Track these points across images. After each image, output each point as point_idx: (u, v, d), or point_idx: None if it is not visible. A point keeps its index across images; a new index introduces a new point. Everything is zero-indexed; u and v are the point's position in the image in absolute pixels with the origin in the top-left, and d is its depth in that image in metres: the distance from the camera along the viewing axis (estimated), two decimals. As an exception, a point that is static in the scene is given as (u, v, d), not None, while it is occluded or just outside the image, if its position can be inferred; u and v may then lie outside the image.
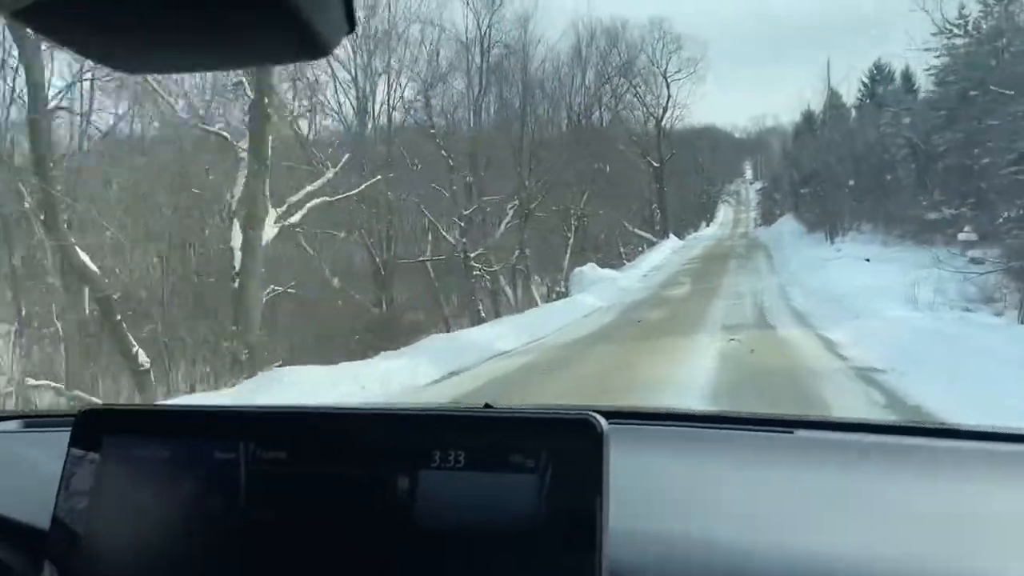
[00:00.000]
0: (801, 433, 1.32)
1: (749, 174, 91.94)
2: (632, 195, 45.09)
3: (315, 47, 0.43)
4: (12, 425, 1.54)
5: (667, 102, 53.47)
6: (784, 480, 1.12)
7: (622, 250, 40.46)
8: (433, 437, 0.81)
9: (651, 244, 43.98)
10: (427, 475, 0.79)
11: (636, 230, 44.79)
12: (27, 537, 1.01)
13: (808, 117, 51.21)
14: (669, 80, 53.35)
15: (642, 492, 0.96)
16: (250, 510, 0.83)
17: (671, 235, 48.32)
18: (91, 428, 0.92)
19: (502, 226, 27.83)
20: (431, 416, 0.85)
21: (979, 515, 0.99)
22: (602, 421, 0.76)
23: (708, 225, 70.00)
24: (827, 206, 37.91)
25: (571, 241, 32.62)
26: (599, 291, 24.25)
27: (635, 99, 49.86)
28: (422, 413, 0.85)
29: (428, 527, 0.78)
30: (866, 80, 41.49)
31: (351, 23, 0.45)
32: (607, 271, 29.73)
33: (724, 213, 79.25)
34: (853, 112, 42.46)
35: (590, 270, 28.51)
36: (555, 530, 0.75)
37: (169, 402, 6.34)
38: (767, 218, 58.60)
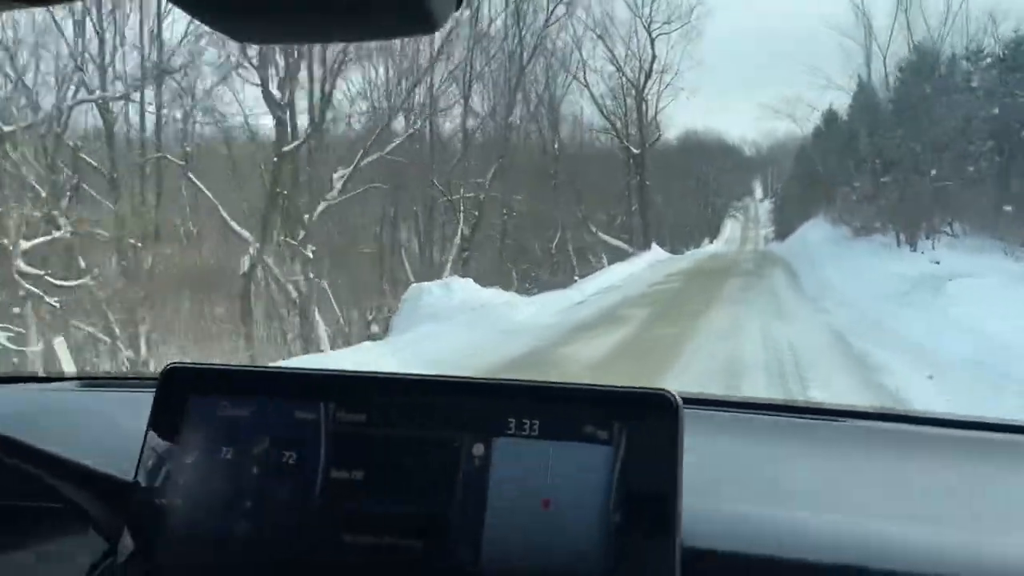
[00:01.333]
0: (858, 423, 1.34)
1: (759, 192, 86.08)
2: (607, 193, 36.38)
3: (424, 22, 0.45)
4: (78, 384, 1.55)
5: (651, 65, 39.03)
6: (844, 467, 1.12)
7: (575, 262, 27.65)
8: (508, 406, 0.83)
9: (625, 256, 32.15)
10: (502, 442, 0.82)
11: (605, 236, 32.26)
12: (108, 489, 1.02)
13: (831, 116, 42.79)
14: (653, 35, 38.43)
15: (710, 474, 0.94)
16: (329, 470, 0.85)
17: (654, 245, 37.10)
18: (175, 386, 0.93)
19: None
20: (506, 385, 0.87)
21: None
22: (677, 397, 0.79)
23: (711, 242, 62.26)
24: (903, 198, 25.87)
25: (457, 241, 19.78)
26: (450, 331, 11.97)
27: (609, 61, 37.70)
28: (497, 382, 0.88)
29: (502, 492, 0.81)
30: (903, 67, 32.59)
31: (459, 0, 0.47)
32: (494, 293, 16.81)
33: (731, 229, 71.72)
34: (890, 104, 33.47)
35: (441, 289, 15.45)
36: (629, 501, 0.77)
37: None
38: (783, 232, 45.86)
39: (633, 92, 39.21)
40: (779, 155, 75.28)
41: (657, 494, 0.76)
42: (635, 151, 38.83)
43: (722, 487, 0.98)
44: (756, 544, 0.86)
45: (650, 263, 30.30)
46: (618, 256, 32.28)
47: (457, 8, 0.47)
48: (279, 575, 0.85)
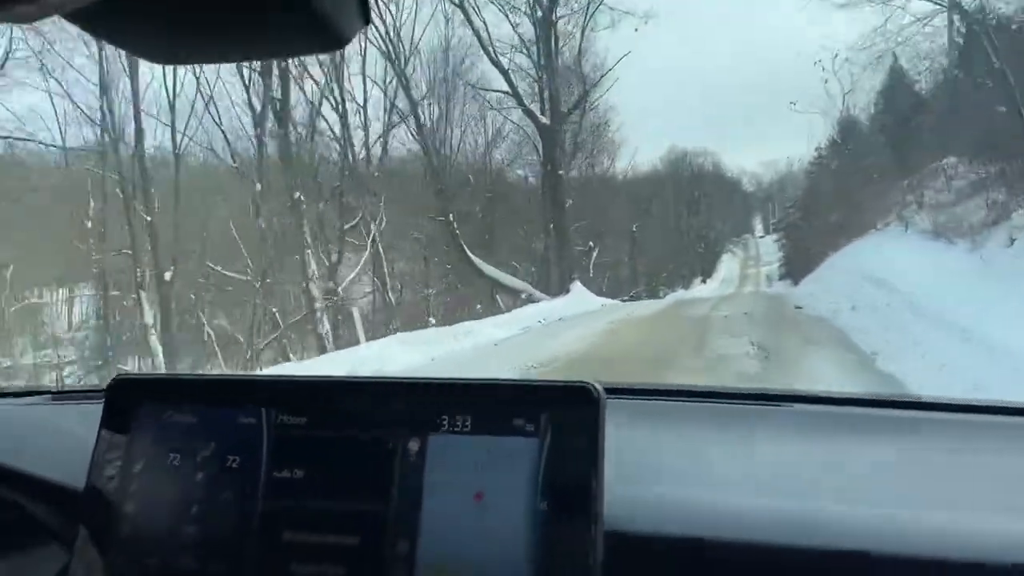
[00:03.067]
0: (796, 407, 1.34)
1: (759, 228, 79.89)
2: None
3: (332, 39, 0.46)
4: (43, 398, 1.57)
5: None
6: (777, 450, 1.14)
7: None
8: (441, 403, 0.87)
9: (516, 302, 23.40)
10: (436, 438, 0.85)
11: (499, 274, 23.68)
12: (62, 499, 1.05)
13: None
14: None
15: (637, 460, 1.00)
16: (272, 471, 0.89)
17: (576, 286, 25.55)
18: (123, 395, 0.97)
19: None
20: (439, 384, 0.90)
21: (967, 479, 1.03)
22: (599, 388, 0.83)
23: (704, 281, 52.97)
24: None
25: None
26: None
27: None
28: (432, 381, 0.90)
29: (436, 487, 0.84)
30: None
31: (366, 16, 0.47)
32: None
33: (728, 267, 62.42)
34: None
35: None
36: (555, 491, 0.81)
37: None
38: (796, 269, 34.85)
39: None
40: (785, 185, 67.94)
41: (580, 482, 0.80)
42: (544, 120, 26.32)
43: (646, 473, 1.00)
44: (677, 524, 0.88)
45: (547, 319, 18.84)
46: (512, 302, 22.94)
47: (365, 24, 0.47)
48: (226, 573, 0.87)
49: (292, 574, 0.86)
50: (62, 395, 1.62)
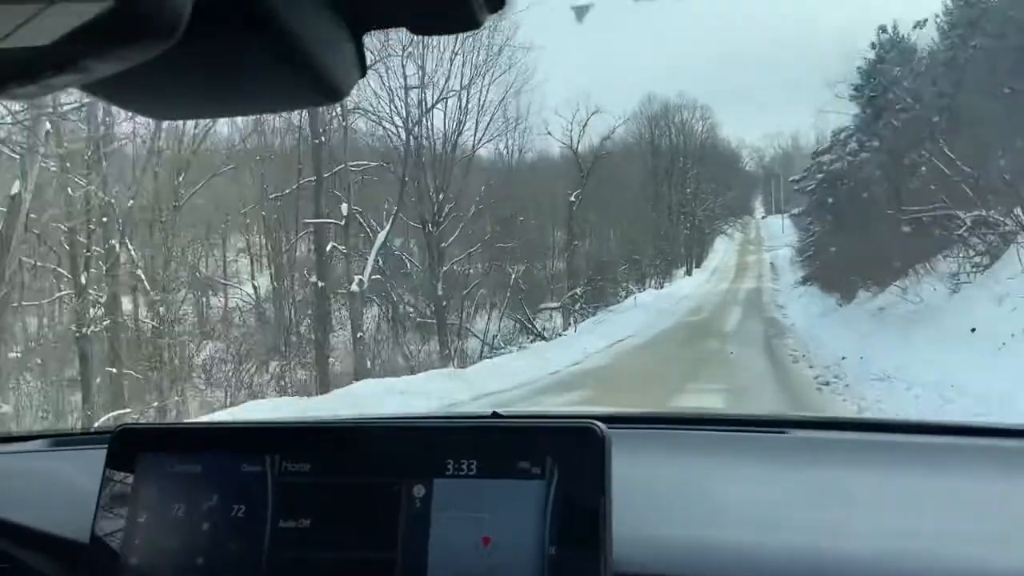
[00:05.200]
0: (795, 433, 1.33)
1: (760, 211, 71.99)
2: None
3: (329, 92, 0.47)
4: (42, 444, 1.55)
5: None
6: (779, 480, 1.14)
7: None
8: (446, 447, 0.86)
9: None
10: (442, 483, 0.84)
11: None
12: (65, 551, 1.04)
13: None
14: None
15: (644, 496, 0.99)
16: (277, 520, 0.88)
17: None
18: (126, 445, 0.96)
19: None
20: (444, 427, 0.91)
21: (974, 508, 1.02)
22: (604, 428, 0.81)
23: (689, 273, 41.68)
24: None
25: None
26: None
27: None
28: (436, 424, 0.93)
29: (443, 533, 0.83)
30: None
31: (363, 68, 0.48)
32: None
33: (722, 254, 51.23)
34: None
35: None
36: (562, 534, 0.80)
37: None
38: (831, 276, 22.68)
39: None
40: (792, 160, 57.51)
41: (588, 524, 0.79)
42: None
43: (654, 509, 1.00)
44: (688, 566, 0.89)
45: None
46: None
47: (361, 76, 0.48)
48: None
49: None
50: (61, 441, 1.57)
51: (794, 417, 1.47)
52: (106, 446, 0.97)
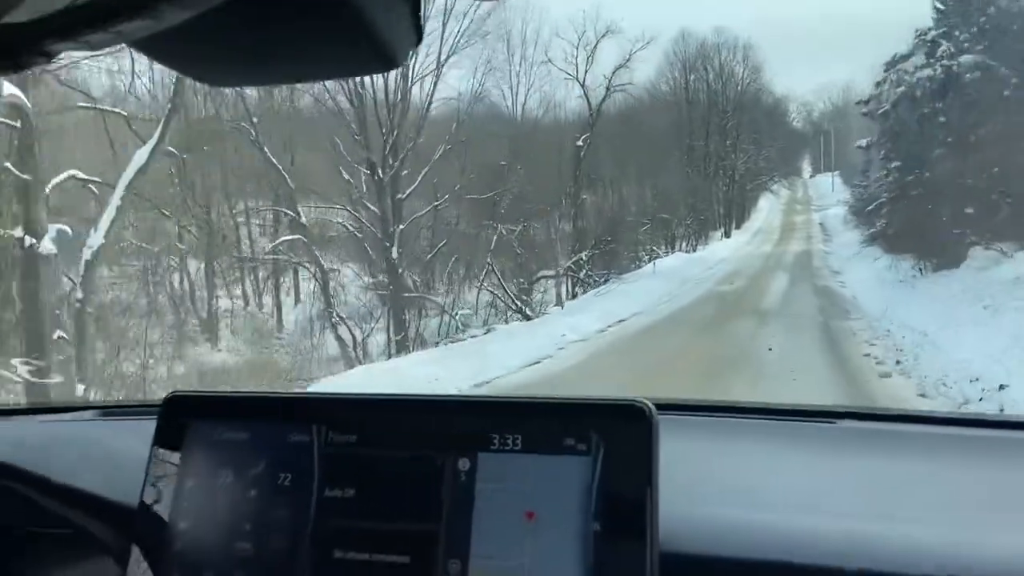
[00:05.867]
0: (845, 423, 1.34)
1: (808, 170, 68.74)
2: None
3: (385, 59, 0.48)
4: (92, 414, 1.61)
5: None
6: (829, 468, 1.14)
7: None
8: (492, 422, 0.87)
9: None
10: (486, 457, 0.85)
11: None
12: (115, 515, 1.07)
13: None
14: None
15: (690, 478, 0.99)
16: (323, 490, 0.90)
17: None
18: (175, 412, 0.98)
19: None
20: (489, 402, 0.92)
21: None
22: (651, 406, 0.82)
23: (727, 235, 36.76)
24: None
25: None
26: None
27: None
28: (481, 400, 0.93)
29: (487, 506, 0.84)
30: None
31: (419, 35, 0.49)
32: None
33: (767, 213, 46.17)
34: None
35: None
36: (608, 510, 0.80)
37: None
38: (907, 240, 17.53)
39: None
40: (846, 115, 52.43)
41: (634, 501, 0.80)
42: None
43: (700, 491, 1.00)
44: (734, 546, 0.90)
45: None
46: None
47: (417, 43, 0.49)
48: None
49: None
50: (110, 411, 1.64)
51: (844, 408, 1.41)
52: (152, 416, 1.03)
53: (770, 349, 9.73)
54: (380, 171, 15.09)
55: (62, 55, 0.39)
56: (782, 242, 31.73)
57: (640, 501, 0.79)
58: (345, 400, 0.97)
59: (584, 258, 19.65)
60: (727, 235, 35.42)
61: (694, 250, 28.77)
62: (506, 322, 15.43)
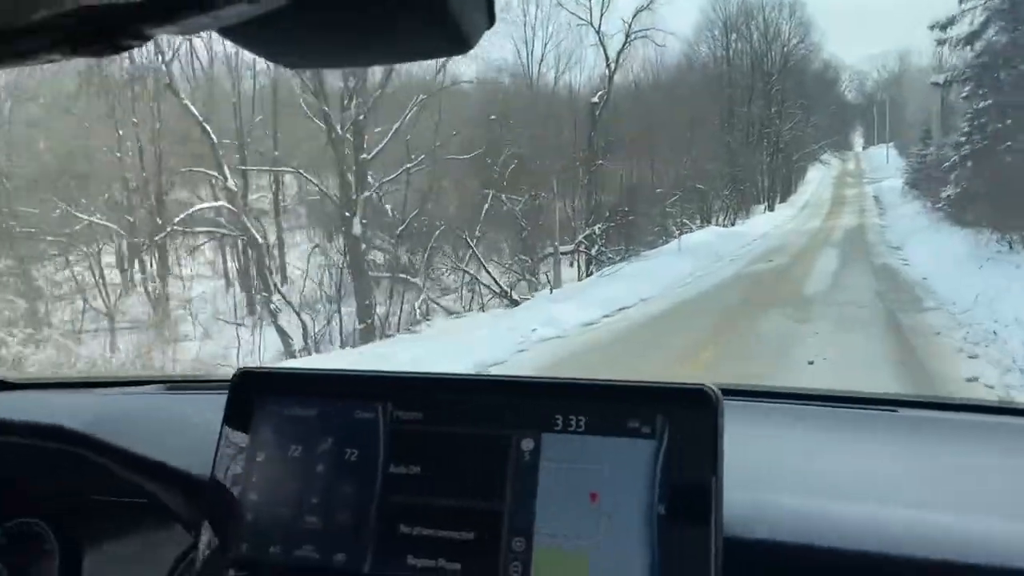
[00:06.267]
0: (906, 412, 1.35)
1: (860, 143, 65.96)
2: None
3: (459, 43, 0.48)
4: (161, 388, 1.66)
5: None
6: (891, 455, 1.15)
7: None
8: (556, 403, 0.88)
9: None
10: (550, 437, 0.86)
11: None
12: (187, 486, 1.10)
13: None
14: None
15: (753, 464, 1.00)
16: (388, 466, 0.91)
17: None
18: (245, 388, 1.00)
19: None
20: (554, 383, 0.92)
21: None
22: (716, 390, 0.82)
23: (770, 208, 33.31)
24: None
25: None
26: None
27: None
28: (546, 381, 0.93)
29: (551, 486, 0.85)
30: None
31: (491, 18, 0.49)
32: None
33: (816, 185, 42.46)
34: None
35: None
36: (672, 494, 0.81)
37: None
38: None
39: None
40: (901, 82, 51.57)
41: (699, 485, 0.81)
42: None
43: (763, 477, 1.01)
44: (797, 533, 0.89)
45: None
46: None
47: (489, 26, 0.48)
48: (345, 564, 0.92)
49: (409, 567, 0.89)
50: (176, 385, 1.69)
51: (905, 396, 1.46)
52: (219, 391, 1.05)
53: (810, 363, 6.69)
54: (338, 127, 12.47)
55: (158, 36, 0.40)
56: (832, 216, 28.64)
57: (705, 485, 0.80)
58: (411, 378, 0.98)
59: (597, 232, 16.85)
60: (770, 209, 32.37)
61: (732, 224, 25.98)
62: (483, 309, 12.79)
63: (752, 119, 33.21)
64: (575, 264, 17.21)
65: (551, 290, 12.87)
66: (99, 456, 1.19)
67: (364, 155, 12.85)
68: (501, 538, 0.85)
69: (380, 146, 13.03)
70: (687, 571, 0.79)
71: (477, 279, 13.72)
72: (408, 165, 13.24)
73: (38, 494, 1.26)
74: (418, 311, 12.75)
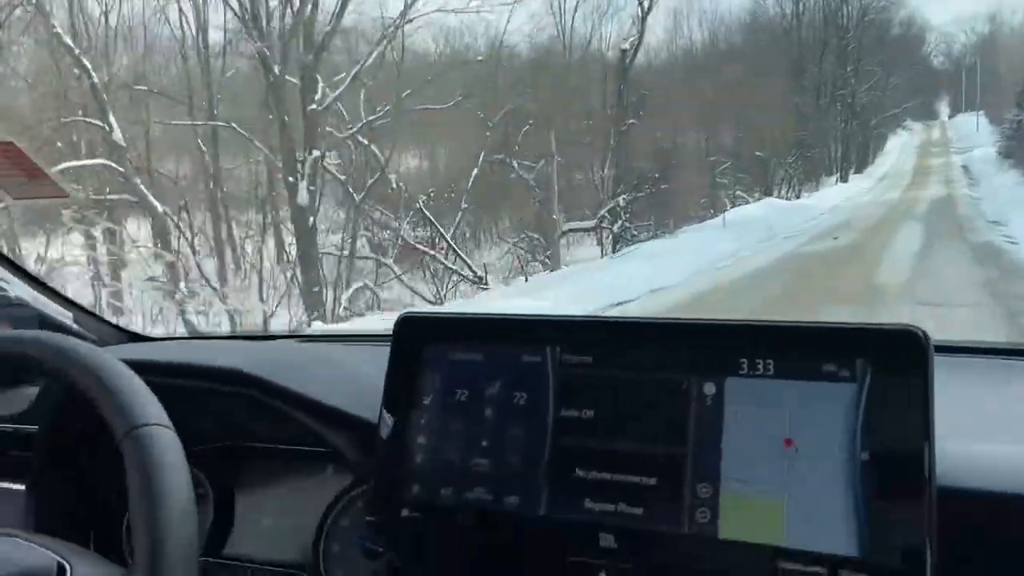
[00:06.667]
0: None
1: (946, 112, 58.28)
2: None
3: None
4: (324, 339, 1.75)
5: None
6: None
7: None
8: (739, 346, 0.85)
9: None
10: (735, 382, 0.84)
11: None
12: (360, 430, 1.11)
13: None
14: None
15: (963, 413, 0.96)
16: (559, 410, 0.90)
17: None
18: (409, 333, 1.00)
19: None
20: (736, 326, 0.88)
21: None
22: (926, 332, 0.78)
23: (843, 179, 29.81)
24: None
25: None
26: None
27: None
28: (731, 324, 0.89)
29: (738, 432, 0.82)
30: None
31: None
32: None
33: (897, 155, 38.19)
34: None
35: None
36: (877, 440, 0.78)
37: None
38: None
39: None
40: (995, 42, 45.95)
41: (908, 433, 0.77)
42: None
43: (973, 427, 0.96)
44: (1013, 482, 0.84)
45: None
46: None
47: None
48: (518, 506, 0.91)
49: (586, 510, 0.87)
50: (334, 339, 1.74)
51: None
52: (380, 343, 1.05)
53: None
54: (276, 67, 9.87)
55: None
56: (914, 187, 25.27)
57: (915, 430, 0.76)
58: (581, 321, 0.95)
59: (621, 204, 13.95)
60: (843, 180, 29.15)
61: (797, 197, 23.12)
62: (456, 296, 10.15)
63: (823, 79, 29.95)
64: (601, 242, 14.50)
65: (526, 278, 10.14)
66: (273, 399, 1.19)
67: (314, 105, 10.23)
68: (685, 484, 0.82)
69: (337, 92, 10.38)
70: (899, 519, 0.75)
71: (445, 264, 10.99)
72: (371, 117, 10.54)
73: (193, 439, 1.07)
74: (367, 300, 10.18)
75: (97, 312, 1.87)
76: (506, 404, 0.92)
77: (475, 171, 11.84)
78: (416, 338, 0.99)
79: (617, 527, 0.86)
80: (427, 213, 11.04)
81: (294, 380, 1.21)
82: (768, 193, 22.30)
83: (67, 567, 0.86)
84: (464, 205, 11.73)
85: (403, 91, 11.04)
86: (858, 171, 32.17)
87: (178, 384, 1.21)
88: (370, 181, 10.75)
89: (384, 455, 0.97)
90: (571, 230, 14.14)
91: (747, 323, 0.87)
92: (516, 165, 13.21)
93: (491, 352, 0.95)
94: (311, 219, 10.16)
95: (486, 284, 10.45)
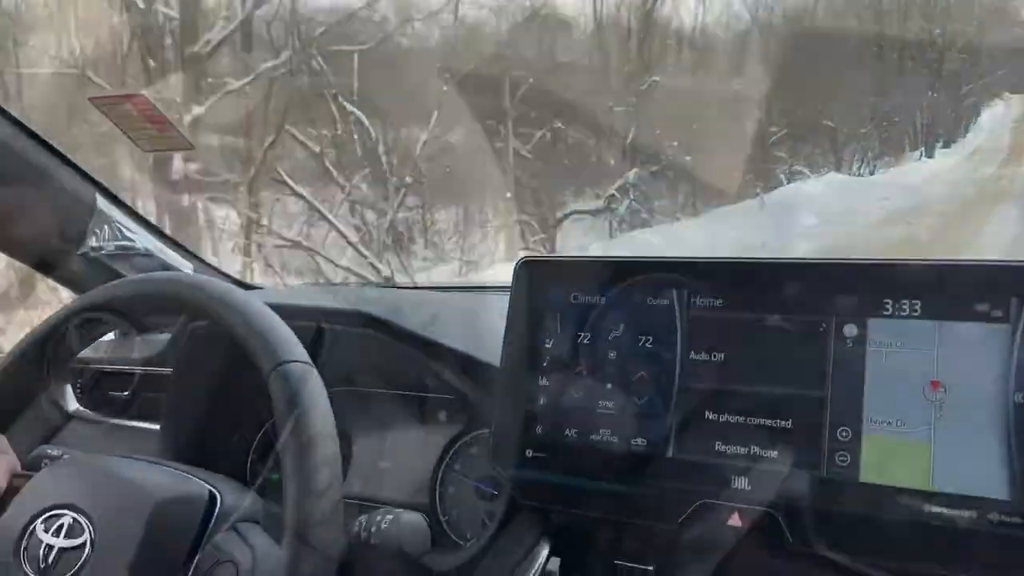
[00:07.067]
0: None
1: None
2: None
3: None
4: (441, 289, 1.77)
5: None
6: None
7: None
8: (883, 286, 0.83)
9: None
10: (878, 323, 0.82)
11: None
12: (481, 373, 1.12)
13: None
14: None
15: None
16: (688, 352, 0.88)
17: None
18: (529, 276, 0.98)
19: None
20: (879, 264, 0.85)
21: None
22: None
23: (928, 154, 25.88)
24: None
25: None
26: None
27: None
28: (872, 263, 0.86)
29: (882, 373, 0.80)
30: None
31: None
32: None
33: (994, 126, 30.99)
34: None
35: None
36: None
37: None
38: None
39: None
40: None
41: None
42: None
43: None
44: None
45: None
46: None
47: None
48: (646, 448, 0.87)
49: (717, 452, 0.84)
50: (458, 289, 1.77)
51: None
52: (496, 291, 1.03)
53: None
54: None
55: None
56: (1010, 163, 21.91)
57: None
58: (710, 263, 0.91)
59: (631, 181, 11.15)
60: (928, 155, 25.72)
61: (871, 173, 20.07)
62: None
63: (906, 41, 26.56)
64: (611, 229, 11.96)
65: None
66: (402, 342, 1.19)
67: (194, 47, 7.77)
68: (824, 427, 0.80)
69: (223, 34, 7.90)
70: None
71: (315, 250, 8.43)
72: (268, 63, 8.01)
73: None
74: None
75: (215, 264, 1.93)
76: (631, 347, 0.90)
77: (423, 136, 9.30)
78: (537, 281, 0.97)
79: (751, 469, 0.83)
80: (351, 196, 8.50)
81: (419, 325, 1.23)
82: (838, 168, 19.33)
83: (217, 495, 0.91)
84: (398, 180, 9.18)
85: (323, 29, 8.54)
86: (946, 145, 28.68)
87: (304, 326, 1.15)
88: (267, 144, 8.31)
89: (506, 397, 0.95)
90: (574, 212, 11.57)
91: (893, 262, 0.83)
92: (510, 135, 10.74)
93: (614, 295, 0.92)
94: (186, 197, 7.76)
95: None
